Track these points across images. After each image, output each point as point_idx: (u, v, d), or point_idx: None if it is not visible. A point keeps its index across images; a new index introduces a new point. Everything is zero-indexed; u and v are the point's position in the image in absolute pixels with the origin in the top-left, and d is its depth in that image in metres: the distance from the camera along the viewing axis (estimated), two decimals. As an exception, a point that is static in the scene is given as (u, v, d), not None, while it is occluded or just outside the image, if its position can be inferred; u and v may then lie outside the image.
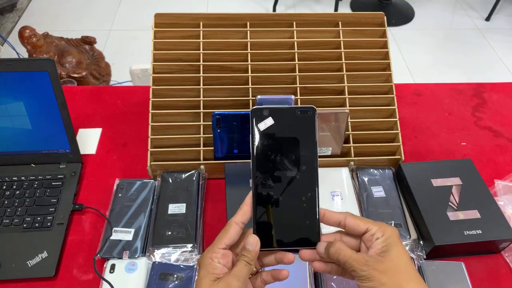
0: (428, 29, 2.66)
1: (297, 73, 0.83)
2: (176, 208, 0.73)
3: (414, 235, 0.71)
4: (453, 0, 2.92)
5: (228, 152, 0.77)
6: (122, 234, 0.70)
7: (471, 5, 2.87)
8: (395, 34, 2.58)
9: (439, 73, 2.34)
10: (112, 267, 0.67)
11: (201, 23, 0.84)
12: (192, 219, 0.72)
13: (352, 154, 0.81)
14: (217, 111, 0.73)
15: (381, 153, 0.82)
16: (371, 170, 0.80)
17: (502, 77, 2.32)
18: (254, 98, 0.76)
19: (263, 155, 0.47)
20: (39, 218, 0.73)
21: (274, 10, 2.68)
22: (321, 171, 0.79)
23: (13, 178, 0.79)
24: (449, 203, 0.72)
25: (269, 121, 0.47)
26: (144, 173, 0.81)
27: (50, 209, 0.75)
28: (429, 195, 0.74)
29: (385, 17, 0.87)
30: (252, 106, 0.59)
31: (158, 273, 0.65)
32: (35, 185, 0.78)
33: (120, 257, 0.68)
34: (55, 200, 0.76)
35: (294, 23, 0.85)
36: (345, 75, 0.84)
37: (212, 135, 0.75)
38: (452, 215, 0.70)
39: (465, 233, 0.68)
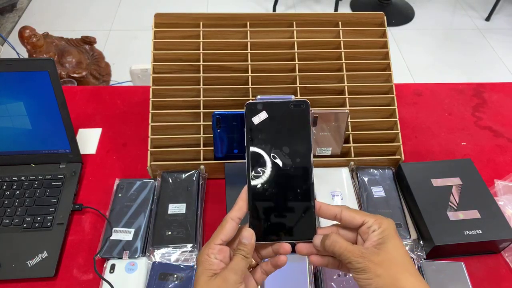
0: (428, 29, 2.66)
1: (297, 73, 0.83)
2: (176, 208, 0.73)
3: (414, 235, 0.71)
4: (453, 0, 2.92)
5: (228, 152, 0.77)
6: (122, 234, 0.70)
7: (471, 5, 2.87)
8: (395, 34, 2.58)
9: (439, 73, 2.34)
10: (112, 267, 0.66)
11: (201, 23, 0.84)
12: (192, 219, 0.72)
13: (352, 154, 0.81)
14: (217, 111, 0.73)
15: (381, 153, 0.82)
16: (371, 170, 0.80)
17: (502, 77, 2.32)
18: (254, 98, 0.76)
19: (257, 149, 0.47)
20: (39, 218, 0.73)
21: (274, 10, 2.68)
22: (321, 171, 0.80)
23: (13, 178, 0.79)
24: (449, 203, 0.72)
25: (263, 115, 0.47)
26: (144, 173, 0.81)
27: (50, 209, 0.75)
28: (429, 195, 0.74)
29: (385, 17, 0.87)
30: None
31: (158, 273, 0.65)
32: (35, 185, 0.78)
33: (120, 257, 0.68)
34: (55, 200, 0.76)
35: (294, 23, 0.85)
36: (345, 75, 0.84)
37: (212, 135, 0.75)
38: (452, 215, 0.70)
39: (465, 233, 0.68)
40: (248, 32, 0.84)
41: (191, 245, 0.69)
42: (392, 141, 0.83)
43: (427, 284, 0.43)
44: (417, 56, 2.45)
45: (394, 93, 0.84)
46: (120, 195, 0.76)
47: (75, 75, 1.77)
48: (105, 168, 0.84)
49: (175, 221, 0.72)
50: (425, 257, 0.69)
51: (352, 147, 0.81)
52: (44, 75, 0.73)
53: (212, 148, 0.77)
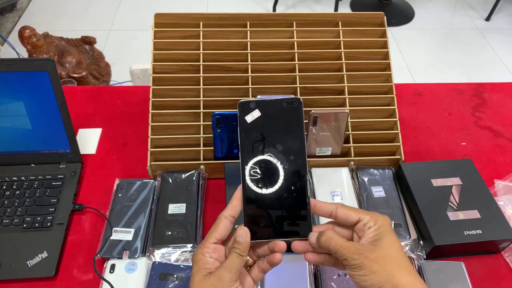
0: (428, 29, 2.66)
1: (297, 73, 0.83)
2: (176, 208, 0.73)
3: (414, 235, 0.71)
4: (453, 0, 2.92)
5: (228, 152, 0.77)
6: (122, 234, 0.70)
7: (471, 5, 2.87)
8: (395, 34, 2.58)
9: (439, 73, 2.34)
10: (112, 267, 0.66)
11: (201, 23, 0.84)
12: (192, 219, 0.72)
13: (352, 154, 0.81)
14: (217, 111, 0.73)
15: (381, 153, 0.82)
16: (371, 170, 0.80)
17: (502, 77, 2.32)
18: (254, 98, 0.76)
19: (251, 147, 0.47)
20: (39, 218, 0.73)
21: (274, 10, 2.68)
22: (321, 171, 0.80)
23: (13, 178, 0.79)
24: (449, 203, 0.72)
25: (256, 113, 0.47)
26: (144, 173, 0.81)
27: (50, 209, 0.75)
28: (429, 195, 0.74)
29: (385, 17, 0.87)
30: None
31: (158, 273, 0.65)
32: (35, 185, 0.78)
33: (120, 257, 0.68)
34: (55, 200, 0.76)
35: (294, 23, 0.85)
36: (345, 75, 0.84)
37: (212, 135, 0.75)
38: (452, 215, 0.70)
39: (465, 233, 0.68)
40: (248, 32, 0.84)
41: (191, 245, 0.69)
42: (392, 141, 0.83)
43: (422, 280, 0.43)
44: (417, 56, 2.45)
45: (394, 93, 0.84)
46: (120, 195, 0.76)
47: (75, 75, 1.77)
48: (105, 168, 0.84)
49: (175, 221, 0.72)
50: (425, 257, 0.69)
51: (352, 147, 0.81)
52: (44, 75, 0.73)
53: (212, 148, 0.77)
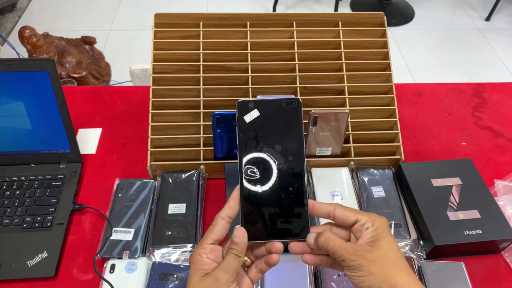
0: (428, 29, 2.66)
1: (297, 73, 0.83)
2: (176, 208, 0.73)
3: (414, 235, 0.71)
4: (453, 0, 2.92)
5: (228, 152, 0.77)
6: (122, 234, 0.70)
7: (471, 5, 2.87)
8: (395, 34, 2.58)
9: (439, 73, 2.34)
10: (112, 267, 0.66)
11: (201, 23, 0.84)
12: (192, 219, 0.72)
13: (352, 154, 0.81)
14: (217, 111, 0.73)
15: (381, 153, 0.82)
16: (371, 170, 0.80)
17: (502, 77, 2.32)
18: (255, 98, 0.76)
19: (249, 147, 0.47)
20: (39, 218, 0.73)
21: (274, 10, 2.68)
22: (321, 171, 0.80)
23: (13, 178, 0.79)
24: (449, 203, 0.72)
25: (254, 113, 0.47)
26: (144, 173, 0.81)
27: (50, 209, 0.75)
28: (429, 195, 0.74)
29: (385, 17, 0.87)
30: None
31: (158, 273, 0.65)
32: (35, 185, 0.78)
33: (120, 257, 0.68)
34: (55, 200, 0.76)
35: (294, 23, 0.85)
36: (345, 75, 0.84)
37: (212, 135, 0.75)
38: (452, 215, 0.70)
39: (465, 233, 0.68)
40: (248, 32, 0.84)
41: (191, 245, 0.69)
42: (392, 141, 0.83)
43: (419, 281, 0.43)
44: (417, 56, 2.45)
45: (394, 93, 0.84)
46: (120, 195, 0.76)
47: (75, 75, 1.77)
48: (105, 168, 0.84)
49: (175, 221, 0.72)
50: (425, 257, 0.69)
51: (352, 147, 0.81)
52: (44, 75, 0.73)
53: (212, 148, 0.77)
